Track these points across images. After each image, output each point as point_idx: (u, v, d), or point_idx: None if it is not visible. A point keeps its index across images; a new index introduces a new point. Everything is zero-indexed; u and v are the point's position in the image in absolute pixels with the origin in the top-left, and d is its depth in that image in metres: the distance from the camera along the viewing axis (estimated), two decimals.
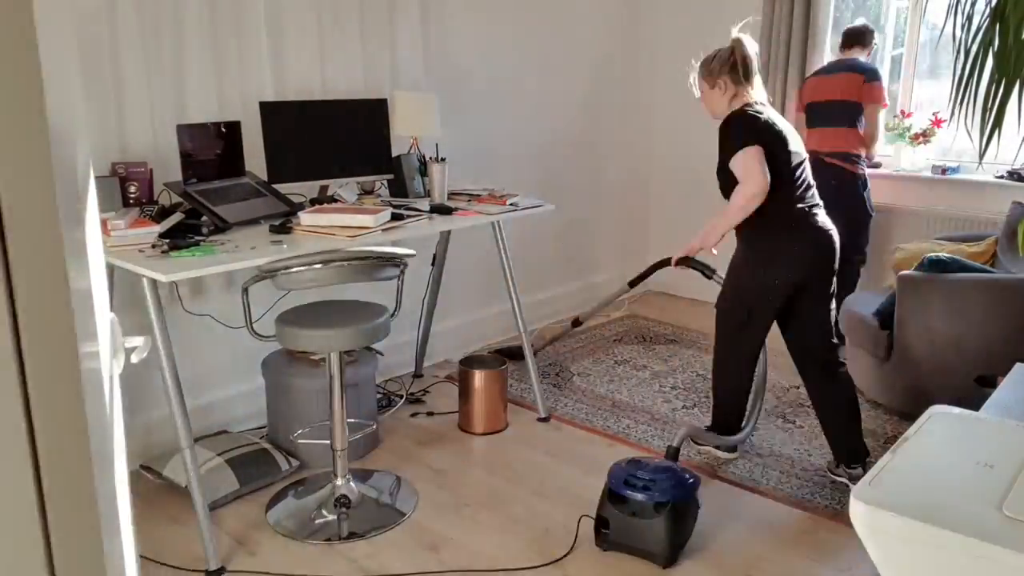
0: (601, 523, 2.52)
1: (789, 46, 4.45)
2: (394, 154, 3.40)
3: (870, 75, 3.97)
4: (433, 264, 3.74)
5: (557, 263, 4.79)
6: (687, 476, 2.54)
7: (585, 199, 4.88)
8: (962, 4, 2.14)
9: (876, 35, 4.09)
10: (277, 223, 2.75)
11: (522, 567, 2.46)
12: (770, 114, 2.77)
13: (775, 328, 2.95)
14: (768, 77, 4.59)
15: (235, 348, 3.27)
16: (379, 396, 3.61)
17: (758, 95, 2.82)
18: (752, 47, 2.83)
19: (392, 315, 2.70)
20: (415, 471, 3.03)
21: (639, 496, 2.45)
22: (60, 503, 0.77)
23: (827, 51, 4.38)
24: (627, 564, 2.46)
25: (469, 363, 3.39)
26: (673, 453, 2.71)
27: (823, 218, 2.79)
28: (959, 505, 1.34)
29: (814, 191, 2.81)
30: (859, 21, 4.18)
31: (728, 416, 3.04)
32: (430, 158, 3.39)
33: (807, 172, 2.80)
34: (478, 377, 3.29)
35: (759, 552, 2.53)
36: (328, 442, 2.84)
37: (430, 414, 3.51)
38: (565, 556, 2.51)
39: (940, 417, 1.68)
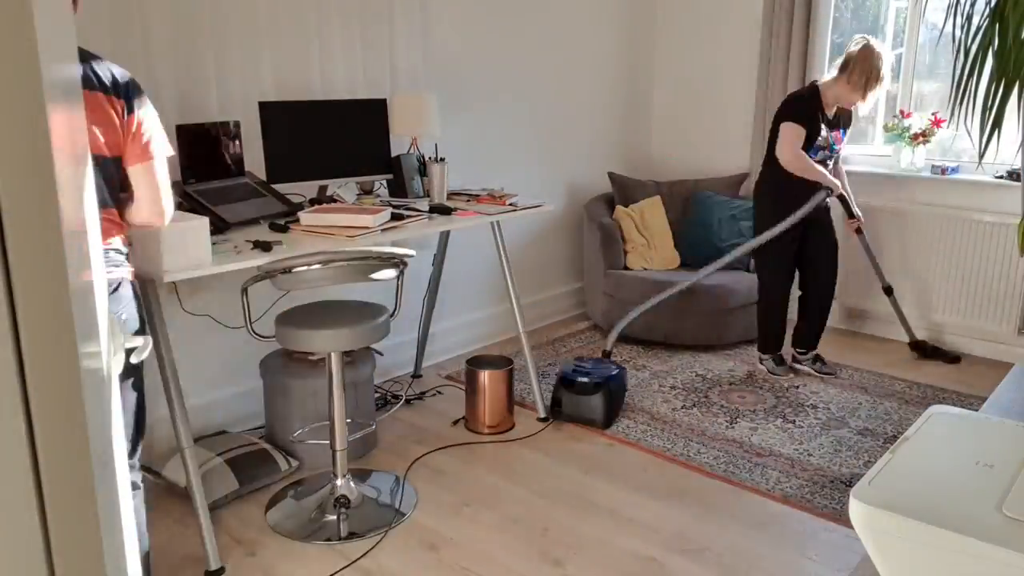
0: (555, 403, 3.43)
1: (789, 46, 4.45)
2: (393, 154, 3.40)
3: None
4: (433, 264, 3.74)
5: (557, 263, 4.79)
6: (614, 367, 3.47)
7: (585, 199, 4.87)
8: (962, 4, 2.14)
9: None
10: (277, 223, 2.75)
11: (522, 567, 2.46)
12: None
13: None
14: (767, 77, 4.60)
15: (234, 348, 3.27)
16: (377, 396, 3.61)
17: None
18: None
19: (392, 315, 2.70)
20: (414, 471, 3.03)
21: (583, 379, 3.36)
22: (60, 503, 0.77)
23: (827, 51, 4.38)
24: (578, 430, 3.09)
25: (476, 363, 3.39)
26: (607, 354, 3.90)
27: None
28: (958, 505, 1.34)
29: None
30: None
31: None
32: (429, 158, 3.39)
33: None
34: (486, 377, 3.29)
35: (759, 552, 2.53)
36: (327, 442, 2.84)
37: (455, 422, 3.50)
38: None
39: (940, 417, 1.68)
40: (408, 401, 3.64)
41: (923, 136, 4.23)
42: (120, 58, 2.78)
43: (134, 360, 1.24)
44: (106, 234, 1.88)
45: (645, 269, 4.42)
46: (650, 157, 5.30)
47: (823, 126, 3.65)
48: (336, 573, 2.43)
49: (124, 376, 1.90)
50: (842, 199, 3.83)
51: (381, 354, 3.59)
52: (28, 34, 0.71)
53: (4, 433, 0.73)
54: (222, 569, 2.43)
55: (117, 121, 1.90)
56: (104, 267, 1.34)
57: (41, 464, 0.76)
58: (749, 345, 4.35)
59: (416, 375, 3.93)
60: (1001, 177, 4.03)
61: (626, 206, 4.60)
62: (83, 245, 0.92)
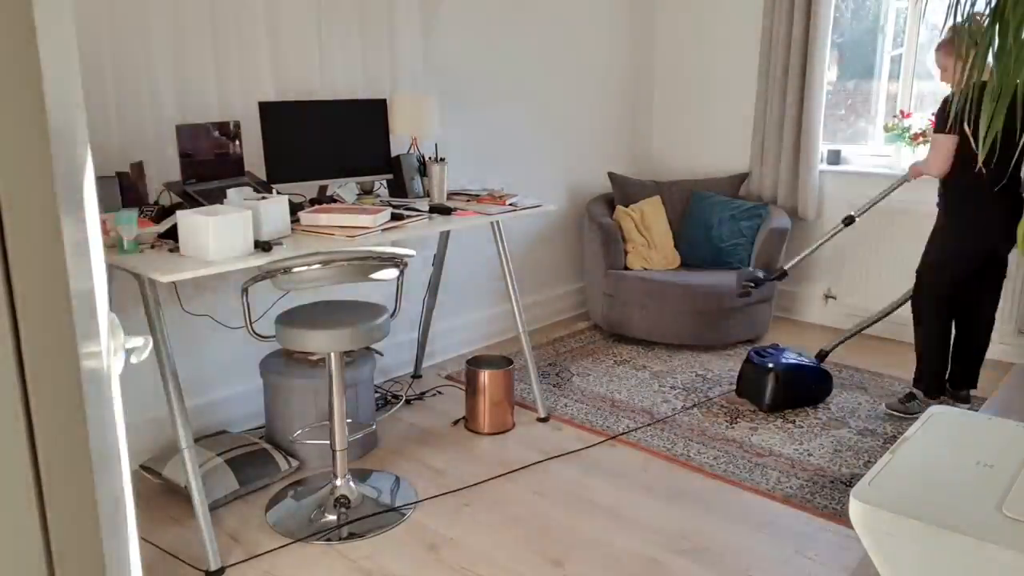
0: (739, 378, 3.63)
1: (789, 46, 4.45)
2: (393, 154, 3.40)
3: None
4: (433, 264, 3.74)
5: (557, 263, 4.79)
6: (803, 359, 3.60)
7: (585, 199, 4.87)
8: (962, 4, 2.14)
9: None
10: None
11: (522, 567, 2.46)
12: None
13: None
14: (767, 77, 4.60)
15: (234, 348, 3.27)
16: (377, 396, 3.61)
17: None
18: None
19: (392, 315, 2.70)
20: (414, 471, 3.03)
21: (757, 362, 3.55)
22: (60, 503, 0.77)
23: (827, 51, 4.38)
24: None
25: (476, 363, 3.39)
26: (822, 355, 3.73)
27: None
28: (958, 505, 1.34)
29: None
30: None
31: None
32: (429, 158, 3.39)
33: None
34: (486, 377, 3.29)
35: (759, 552, 2.53)
36: (327, 442, 2.84)
37: (455, 422, 3.49)
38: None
39: (940, 417, 1.68)
40: (408, 401, 3.64)
41: (923, 136, 4.23)
42: (120, 58, 2.79)
43: (134, 360, 1.24)
44: None
45: (645, 269, 4.42)
46: (650, 157, 5.30)
47: None
48: (335, 573, 2.43)
49: None
50: None
51: (381, 354, 3.59)
52: (28, 31, 0.71)
53: (4, 433, 0.73)
54: (222, 569, 2.43)
55: None
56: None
57: (41, 464, 0.76)
58: (749, 345, 4.35)
59: (416, 375, 3.93)
60: None
61: (626, 206, 4.60)
62: (84, 245, 0.92)
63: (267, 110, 3.04)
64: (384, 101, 3.36)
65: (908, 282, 4.33)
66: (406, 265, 2.57)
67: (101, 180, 2.68)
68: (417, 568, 2.45)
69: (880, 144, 4.53)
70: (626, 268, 4.43)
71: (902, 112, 4.32)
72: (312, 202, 3.12)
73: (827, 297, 4.69)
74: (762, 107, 4.65)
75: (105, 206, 2.67)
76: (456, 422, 3.44)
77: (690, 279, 4.19)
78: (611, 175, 4.71)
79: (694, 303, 4.14)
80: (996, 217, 3.16)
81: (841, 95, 4.62)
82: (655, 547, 2.56)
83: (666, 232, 4.58)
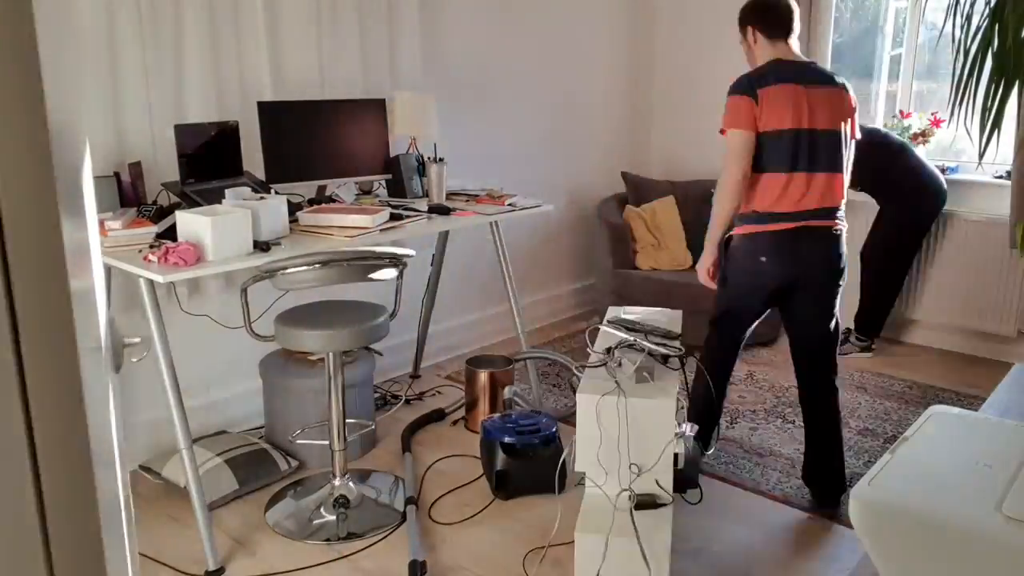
0: (500, 479, 2.76)
1: None
2: (392, 154, 3.40)
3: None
4: (432, 264, 3.74)
5: (570, 260, 4.79)
6: (540, 413, 3.00)
7: (583, 199, 4.88)
8: (961, 4, 2.14)
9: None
10: None
11: (521, 567, 2.46)
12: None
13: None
14: None
15: (233, 348, 3.26)
16: (377, 396, 3.61)
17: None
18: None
19: (391, 315, 2.70)
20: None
21: (533, 439, 2.77)
22: (60, 503, 0.77)
23: (828, 51, 4.38)
24: (533, 502, 2.74)
25: (476, 363, 3.39)
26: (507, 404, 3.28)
27: None
28: (958, 505, 1.34)
29: None
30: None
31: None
32: (428, 158, 3.39)
33: None
34: (485, 377, 3.29)
35: (759, 552, 2.53)
36: (326, 442, 2.84)
37: (455, 422, 3.48)
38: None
39: (939, 417, 1.68)
40: (408, 401, 3.64)
41: (923, 136, 4.23)
42: (120, 58, 2.78)
43: (133, 360, 1.24)
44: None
45: (654, 269, 4.42)
46: (665, 156, 5.29)
47: None
48: (335, 573, 2.43)
49: None
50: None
51: (380, 354, 3.59)
52: (28, 30, 0.71)
53: (4, 433, 0.73)
54: (222, 569, 2.43)
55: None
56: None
57: (41, 464, 0.76)
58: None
59: (415, 375, 3.93)
60: (1000, 177, 4.04)
61: (638, 206, 4.60)
62: (83, 244, 0.92)
63: (266, 110, 3.04)
64: (383, 101, 3.36)
65: (907, 281, 4.33)
66: (405, 265, 2.57)
67: (99, 180, 2.68)
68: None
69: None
70: (635, 268, 4.43)
71: (901, 112, 4.32)
72: (311, 202, 3.12)
73: None
74: None
75: (103, 206, 2.67)
76: (456, 422, 3.43)
77: (695, 279, 4.18)
78: (624, 175, 4.70)
79: (698, 303, 4.14)
80: None
81: None
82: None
83: (678, 232, 4.57)
